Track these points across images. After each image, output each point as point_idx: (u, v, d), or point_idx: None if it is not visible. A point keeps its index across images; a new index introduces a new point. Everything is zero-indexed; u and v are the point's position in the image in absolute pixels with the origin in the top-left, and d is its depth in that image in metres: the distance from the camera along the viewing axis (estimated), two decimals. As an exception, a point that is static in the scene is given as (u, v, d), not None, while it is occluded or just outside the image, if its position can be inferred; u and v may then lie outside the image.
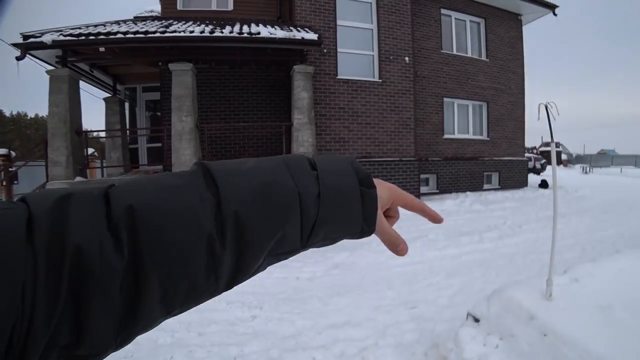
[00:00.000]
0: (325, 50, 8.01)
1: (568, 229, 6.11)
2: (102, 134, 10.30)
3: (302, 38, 6.87)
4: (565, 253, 4.64)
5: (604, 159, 30.95)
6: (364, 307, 3.05)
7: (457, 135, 10.96)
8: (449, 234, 5.61)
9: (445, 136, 10.62)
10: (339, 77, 8.19)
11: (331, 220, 0.36)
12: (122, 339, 0.28)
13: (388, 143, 8.78)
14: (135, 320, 0.28)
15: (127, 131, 9.69)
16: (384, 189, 0.42)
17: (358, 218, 0.37)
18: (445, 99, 10.58)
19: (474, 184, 11.02)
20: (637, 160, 27.95)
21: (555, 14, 11.91)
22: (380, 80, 8.64)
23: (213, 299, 0.34)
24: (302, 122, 7.31)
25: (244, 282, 0.35)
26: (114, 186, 0.29)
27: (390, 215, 0.45)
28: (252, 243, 0.32)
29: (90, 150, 11.54)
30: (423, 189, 10.05)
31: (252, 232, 0.31)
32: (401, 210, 0.45)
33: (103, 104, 9.51)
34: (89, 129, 8.90)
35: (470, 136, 11.25)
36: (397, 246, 0.42)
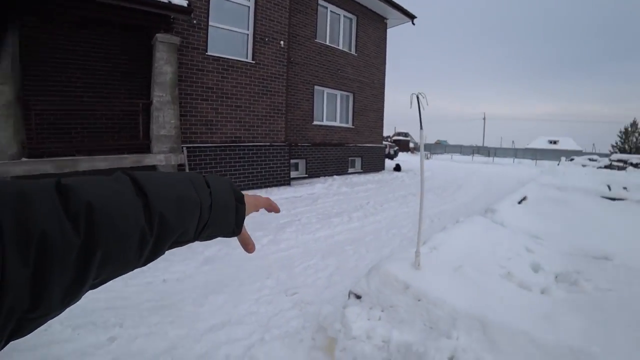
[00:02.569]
0: (195, 21, 7.18)
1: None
2: None
3: (169, 2, 5.94)
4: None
5: (440, 147, 37.97)
6: (243, 302, 2.84)
7: (325, 122, 11.49)
8: (321, 217, 5.81)
9: (315, 123, 11.01)
10: (208, 53, 7.49)
11: (216, 223, 0.52)
12: (67, 302, 0.35)
13: (259, 127, 8.53)
14: (78, 287, 0.35)
15: None
16: (251, 203, 0.60)
17: (232, 224, 0.54)
18: (316, 87, 10.92)
19: (340, 168, 11.84)
20: (462, 149, 35.54)
21: (413, 24, 13.78)
22: (254, 62, 8.29)
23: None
24: (163, 101, 6.37)
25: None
26: (66, 182, 0.36)
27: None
28: (168, 234, 0.44)
29: None
30: (293, 174, 10.25)
31: (169, 227, 0.44)
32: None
33: None
34: None
35: (337, 124, 11.96)
36: (248, 245, 0.61)
